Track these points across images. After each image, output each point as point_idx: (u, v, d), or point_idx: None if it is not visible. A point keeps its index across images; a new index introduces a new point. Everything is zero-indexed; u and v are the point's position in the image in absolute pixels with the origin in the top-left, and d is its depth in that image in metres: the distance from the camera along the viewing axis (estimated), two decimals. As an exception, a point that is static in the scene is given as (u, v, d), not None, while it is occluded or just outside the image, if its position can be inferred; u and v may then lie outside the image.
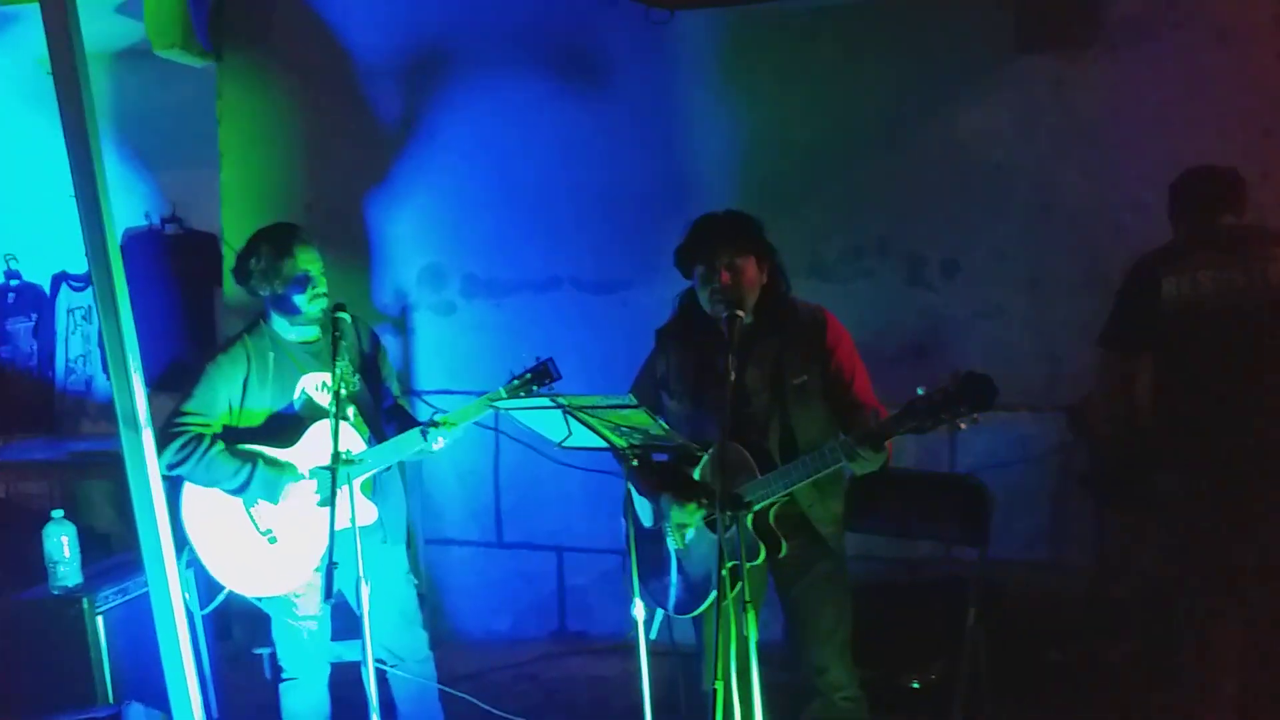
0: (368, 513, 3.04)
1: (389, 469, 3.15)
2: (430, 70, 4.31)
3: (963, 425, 2.28)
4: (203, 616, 3.16)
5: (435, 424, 2.98)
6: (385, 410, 3.25)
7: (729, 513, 2.39)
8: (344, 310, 2.97)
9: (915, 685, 3.03)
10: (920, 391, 2.31)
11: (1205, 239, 3.07)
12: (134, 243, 5.20)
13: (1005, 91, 3.82)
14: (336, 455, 2.66)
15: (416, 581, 3.27)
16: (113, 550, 3.99)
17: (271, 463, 2.99)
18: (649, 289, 4.11)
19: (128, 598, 3.18)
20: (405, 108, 4.36)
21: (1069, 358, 3.79)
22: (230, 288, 4.33)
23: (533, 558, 4.42)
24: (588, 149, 4.19)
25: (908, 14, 3.80)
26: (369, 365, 3.23)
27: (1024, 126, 3.82)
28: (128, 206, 5.15)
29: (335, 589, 2.52)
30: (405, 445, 3.01)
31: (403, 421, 3.19)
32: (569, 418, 2.53)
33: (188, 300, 5.11)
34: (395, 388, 3.31)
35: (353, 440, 3.06)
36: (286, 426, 3.05)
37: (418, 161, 4.38)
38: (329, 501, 2.65)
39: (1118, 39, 3.72)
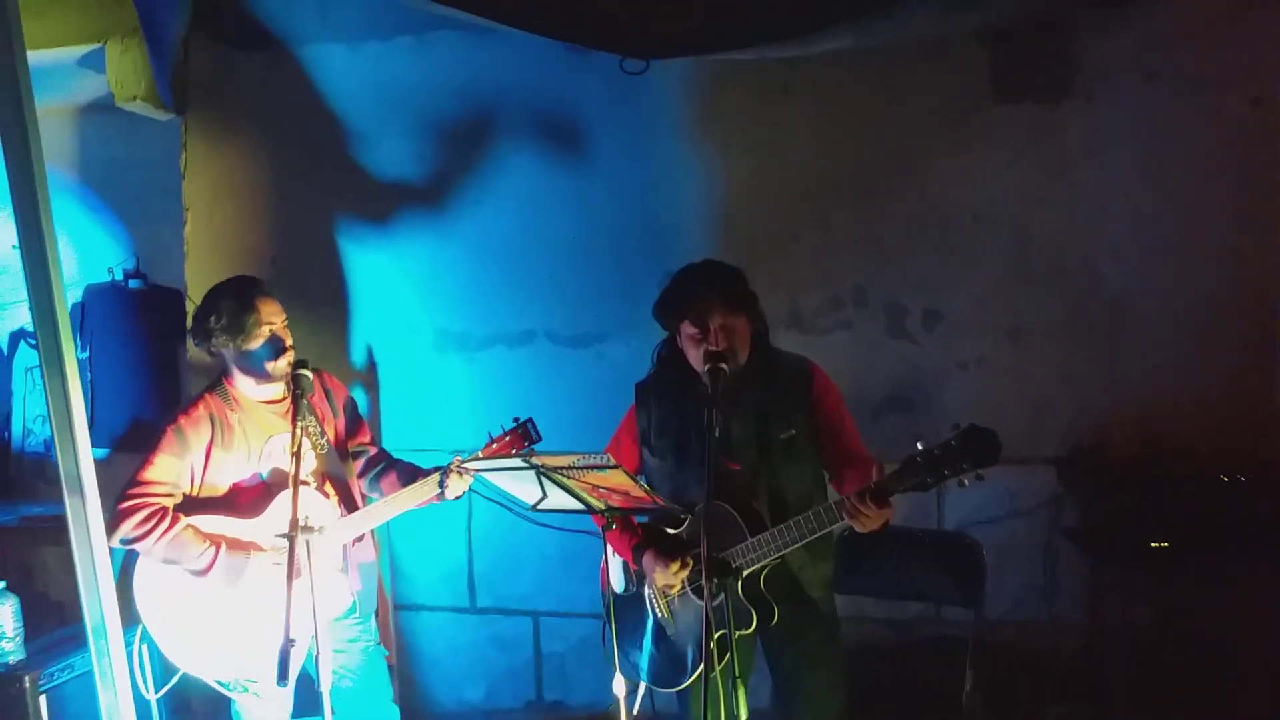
0: (344, 590, 2.90)
1: (361, 537, 3.01)
2: (400, 125, 4.23)
3: (965, 482, 2.19)
4: (158, 699, 2.98)
5: (454, 470, 2.81)
6: (371, 463, 3.12)
7: (716, 579, 2.28)
8: (305, 367, 2.85)
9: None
10: (920, 446, 2.22)
11: None
12: (96, 298, 5.08)
13: (983, 141, 3.79)
14: (295, 522, 2.52)
15: (387, 652, 3.12)
16: (66, 620, 3.81)
17: (235, 545, 2.84)
18: (625, 341, 4.04)
19: (74, 674, 3.01)
20: (374, 161, 4.28)
21: (1053, 408, 3.73)
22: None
23: (507, 623, 4.26)
24: (561, 200, 4.12)
25: (883, 64, 3.77)
26: (340, 425, 3.11)
27: (1002, 176, 3.78)
28: (93, 261, 5.03)
29: (296, 667, 2.37)
30: (413, 496, 2.87)
31: (397, 471, 3.04)
32: (543, 479, 2.42)
33: (151, 357, 4.99)
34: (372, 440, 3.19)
35: (321, 507, 2.92)
36: (252, 495, 2.91)
37: (387, 215, 4.29)
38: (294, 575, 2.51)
39: (1093, 89, 3.71)
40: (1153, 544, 3.21)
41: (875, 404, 3.84)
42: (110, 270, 5.03)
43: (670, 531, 2.63)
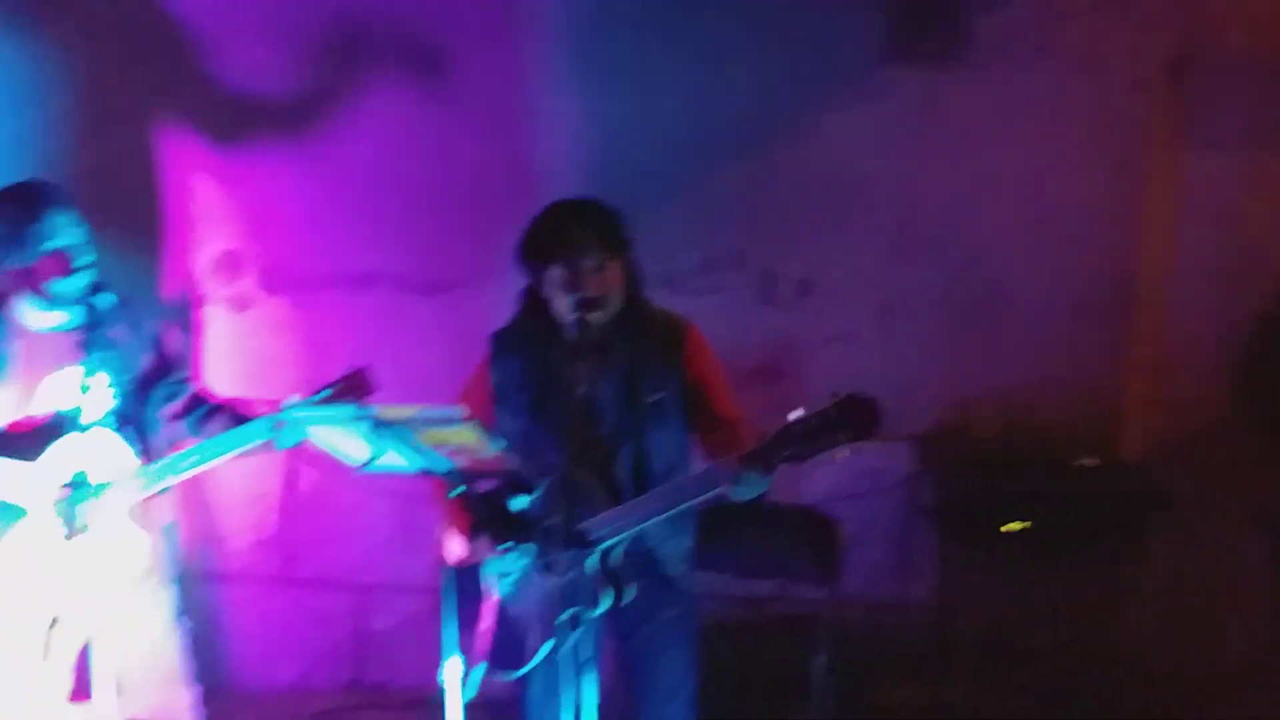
0: (137, 552, 2.50)
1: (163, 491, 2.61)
2: (247, 34, 3.76)
3: (842, 454, 2.01)
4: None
5: (292, 415, 2.42)
6: (191, 403, 2.70)
7: (570, 554, 2.02)
8: (105, 290, 2.43)
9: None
10: (798, 414, 2.02)
11: None
12: None
13: (871, 103, 3.66)
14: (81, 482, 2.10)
15: (191, 625, 2.73)
16: None
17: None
18: (483, 291, 3.67)
19: None
20: (215, 75, 3.77)
21: (919, 385, 3.65)
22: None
23: (328, 597, 3.87)
24: (420, 132, 3.75)
25: (777, 9, 3.57)
26: (146, 365, 2.68)
27: (888, 142, 3.67)
28: None
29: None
30: (241, 439, 2.48)
31: (224, 414, 2.64)
32: (378, 434, 2.10)
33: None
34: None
35: (116, 453, 2.51)
36: (32, 437, 2.47)
37: (226, 132, 3.80)
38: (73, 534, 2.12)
39: (986, 57, 3.62)
40: (1002, 528, 3.15)
41: (743, 373, 3.62)
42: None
43: (511, 500, 2.35)
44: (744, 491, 2.13)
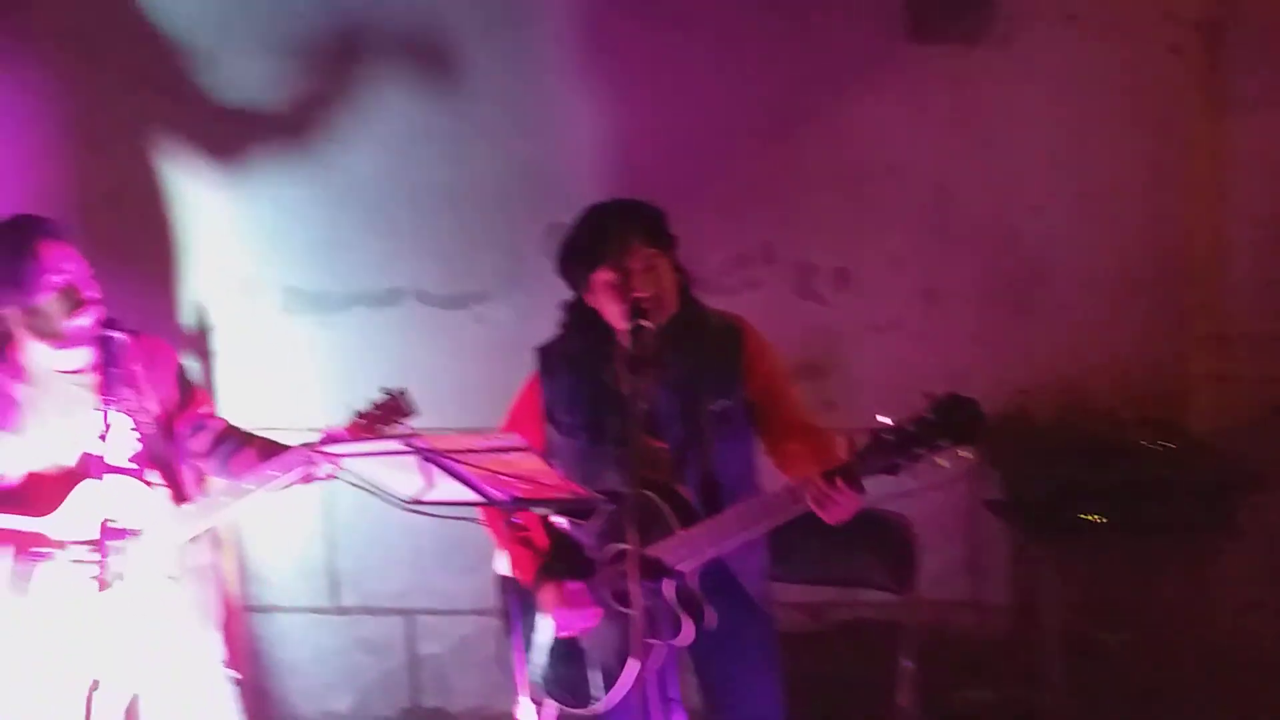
0: (176, 601, 2.38)
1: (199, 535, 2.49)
2: (251, 48, 3.62)
3: (943, 463, 1.87)
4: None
5: (334, 441, 2.29)
6: (218, 440, 2.57)
7: (648, 583, 1.89)
8: (117, 326, 2.31)
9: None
10: (887, 420, 1.88)
11: None
12: None
13: (898, 85, 3.51)
14: (106, 528, 1.99)
15: (236, 675, 2.60)
16: None
17: (28, 545, 2.28)
18: (507, 301, 3.59)
19: None
20: (217, 89, 3.64)
21: (970, 373, 3.49)
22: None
23: (376, 624, 3.76)
24: (433, 140, 3.61)
25: (792, -6, 3.44)
26: (167, 401, 2.56)
27: (917, 125, 3.51)
28: None
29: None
30: (272, 479, 2.35)
31: (255, 449, 2.51)
32: (426, 466, 1.98)
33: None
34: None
35: (143, 500, 2.38)
36: (53, 487, 2.35)
37: (229, 149, 3.66)
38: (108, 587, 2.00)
39: (1011, 32, 3.47)
40: (1082, 516, 3.01)
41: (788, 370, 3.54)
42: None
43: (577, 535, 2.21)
44: (836, 511, 1.98)
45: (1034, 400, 3.44)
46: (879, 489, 3.34)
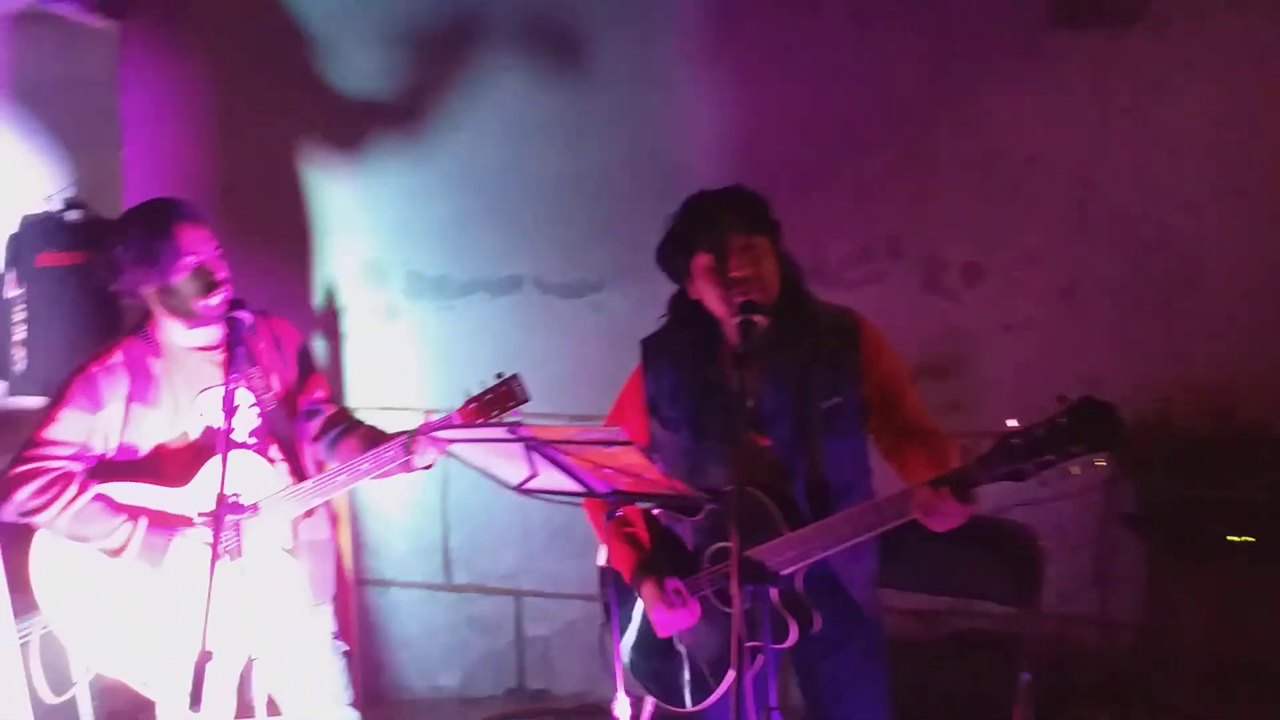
0: (291, 575, 2.45)
1: (313, 511, 2.55)
2: (370, 32, 3.72)
3: (1075, 470, 1.75)
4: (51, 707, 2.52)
5: (423, 435, 2.33)
6: (328, 424, 2.64)
7: (750, 586, 1.83)
8: (244, 307, 2.38)
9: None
10: (1014, 424, 1.77)
11: None
12: (31, 230, 4.53)
13: (1039, 74, 3.33)
14: (223, 498, 2.05)
15: (345, 647, 2.67)
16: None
17: (159, 519, 2.38)
18: (625, 291, 3.58)
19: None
20: (345, 79, 3.76)
21: (1107, 377, 3.29)
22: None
23: (486, 603, 3.81)
24: (555, 128, 3.63)
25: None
26: (291, 378, 2.63)
27: (1060, 114, 3.33)
28: (32, 189, 4.48)
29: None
30: (374, 464, 2.40)
31: (359, 435, 2.57)
32: (533, 456, 1.97)
33: (92, 296, 4.47)
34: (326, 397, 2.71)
35: (263, 475, 2.46)
36: (182, 459, 2.45)
37: (355, 140, 3.77)
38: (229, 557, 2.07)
39: (1167, 15, 3.25)
40: (1230, 537, 2.80)
41: (909, 369, 3.40)
42: (47, 199, 4.49)
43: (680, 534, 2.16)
44: (942, 521, 1.89)
45: (1177, 408, 3.21)
46: (1006, 497, 3.24)
